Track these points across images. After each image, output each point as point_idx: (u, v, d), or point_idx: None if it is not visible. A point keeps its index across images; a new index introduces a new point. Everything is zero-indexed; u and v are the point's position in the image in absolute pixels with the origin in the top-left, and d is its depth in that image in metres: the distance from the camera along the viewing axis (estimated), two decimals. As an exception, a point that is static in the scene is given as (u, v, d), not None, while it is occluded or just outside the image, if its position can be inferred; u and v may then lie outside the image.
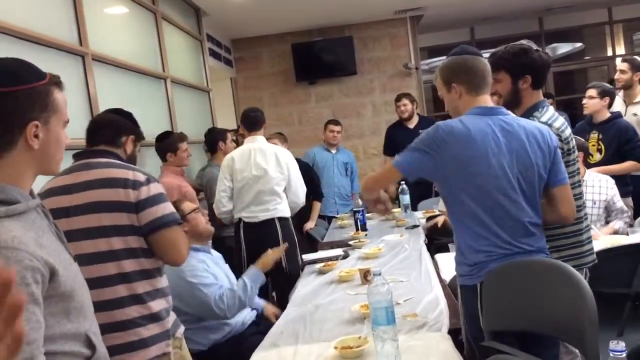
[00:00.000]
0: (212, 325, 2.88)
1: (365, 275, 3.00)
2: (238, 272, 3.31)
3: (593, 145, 4.28)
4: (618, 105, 4.54)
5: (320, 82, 7.55)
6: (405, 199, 5.25)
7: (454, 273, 2.39)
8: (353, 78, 7.52)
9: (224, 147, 4.74)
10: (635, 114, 4.47)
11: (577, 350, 2.08)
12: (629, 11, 8.56)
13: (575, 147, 2.33)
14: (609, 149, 4.20)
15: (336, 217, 5.72)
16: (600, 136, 4.25)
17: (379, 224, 5.05)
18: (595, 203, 3.60)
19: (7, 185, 1.21)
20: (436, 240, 4.49)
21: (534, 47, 2.29)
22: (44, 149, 1.26)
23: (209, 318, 2.83)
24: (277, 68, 7.58)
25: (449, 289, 2.83)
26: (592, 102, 4.27)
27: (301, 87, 7.58)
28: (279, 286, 4.09)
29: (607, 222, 3.65)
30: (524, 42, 2.33)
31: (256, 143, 4.09)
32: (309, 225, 5.41)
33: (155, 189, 2.07)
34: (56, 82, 1.30)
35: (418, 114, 6.18)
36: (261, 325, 2.98)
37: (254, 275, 3.00)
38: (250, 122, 4.18)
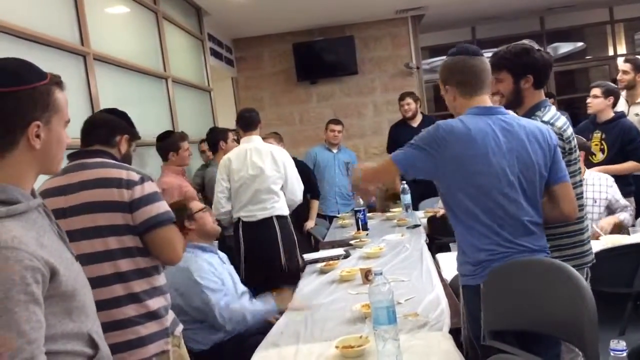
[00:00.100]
0: (214, 326, 2.87)
1: (367, 275, 3.00)
2: (236, 271, 3.31)
3: (596, 144, 4.28)
4: (621, 105, 4.54)
5: (321, 82, 7.54)
6: (407, 198, 5.26)
7: (455, 272, 2.40)
8: (354, 78, 7.52)
9: (224, 146, 4.75)
10: (637, 114, 4.47)
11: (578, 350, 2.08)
12: (630, 10, 8.55)
13: (577, 146, 2.33)
14: (612, 149, 4.19)
15: (337, 217, 5.73)
16: (604, 136, 4.25)
17: (380, 223, 5.06)
18: (595, 201, 3.60)
19: (8, 186, 1.21)
20: (437, 240, 4.49)
21: (536, 46, 2.29)
22: (45, 149, 1.26)
23: (208, 321, 2.83)
24: (278, 68, 7.58)
25: (450, 288, 2.83)
26: (596, 102, 4.26)
27: (302, 86, 7.58)
28: (278, 283, 4.09)
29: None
30: (525, 41, 2.33)
31: (252, 143, 4.12)
32: (310, 224, 5.42)
33: (149, 187, 2.06)
34: (57, 81, 1.30)
35: (422, 113, 6.18)
36: (263, 326, 2.98)
37: (269, 308, 2.93)
38: (246, 122, 4.21)
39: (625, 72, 4.50)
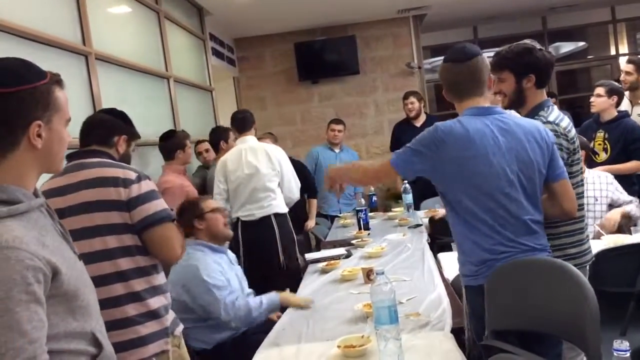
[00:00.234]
0: (218, 326, 2.88)
1: (368, 275, 3.00)
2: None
3: (599, 144, 4.27)
4: (624, 106, 4.53)
5: (323, 82, 7.54)
6: (408, 198, 5.26)
7: (457, 272, 2.39)
8: (356, 77, 7.52)
9: (225, 146, 4.75)
10: None
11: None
12: (632, 10, 8.54)
13: (579, 146, 2.33)
14: (615, 148, 4.18)
15: (339, 216, 5.73)
16: (607, 135, 4.24)
17: (381, 223, 5.06)
18: (597, 200, 3.59)
19: (9, 186, 1.21)
20: (439, 240, 4.49)
21: (538, 46, 2.29)
22: (47, 148, 1.26)
23: (213, 319, 2.83)
24: (280, 67, 7.58)
25: (452, 288, 2.83)
26: (599, 101, 4.24)
27: (304, 86, 7.58)
28: (277, 283, 4.10)
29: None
30: (527, 41, 2.33)
31: (247, 143, 4.16)
32: (310, 224, 5.43)
33: (146, 186, 2.07)
34: (57, 80, 1.30)
35: (425, 112, 6.18)
36: (265, 325, 2.98)
37: (272, 303, 2.93)
38: (239, 123, 4.25)
39: (628, 73, 4.49)
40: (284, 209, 4.16)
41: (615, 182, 3.66)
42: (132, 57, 4.09)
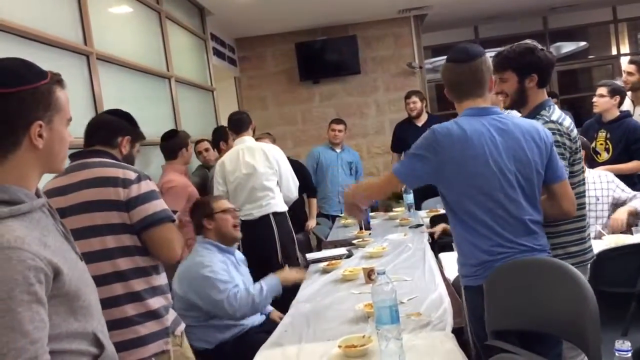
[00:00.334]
0: (221, 325, 2.89)
1: (369, 274, 3.00)
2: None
3: (601, 144, 4.26)
4: (626, 106, 4.53)
5: (324, 82, 7.54)
6: (409, 198, 5.27)
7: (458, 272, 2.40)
8: (357, 77, 7.52)
9: (225, 147, 4.75)
10: None
11: (580, 349, 2.09)
12: (633, 10, 8.53)
13: (581, 145, 2.34)
14: (617, 148, 4.18)
15: (340, 216, 5.73)
16: (609, 135, 4.23)
17: (382, 223, 5.06)
18: (598, 199, 3.59)
19: (11, 186, 1.21)
20: (440, 240, 4.49)
21: (539, 46, 2.31)
22: (48, 148, 1.26)
23: (219, 315, 2.85)
24: (281, 67, 7.58)
25: (453, 288, 2.83)
26: (602, 101, 4.23)
27: (305, 86, 7.58)
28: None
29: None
30: (528, 41, 2.34)
31: (244, 143, 4.18)
32: (311, 224, 5.44)
33: (146, 186, 2.07)
34: (58, 80, 1.29)
35: (427, 112, 6.18)
36: (266, 325, 2.99)
37: (272, 284, 2.98)
38: (236, 124, 4.28)
39: (630, 73, 4.48)
40: (283, 208, 4.16)
41: (617, 180, 3.65)
42: (133, 57, 4.09)
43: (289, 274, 3.06)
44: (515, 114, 2.58)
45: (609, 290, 2.55)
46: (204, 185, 4.61)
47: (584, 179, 2.34)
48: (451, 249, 4.11)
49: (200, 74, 5.84)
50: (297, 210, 5.07)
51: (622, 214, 3.46)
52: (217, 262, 2.91)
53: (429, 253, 3.59)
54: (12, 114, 1.20)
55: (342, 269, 3.35)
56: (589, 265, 2.28)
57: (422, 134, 2.09)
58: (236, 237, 3.13)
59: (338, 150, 6.07)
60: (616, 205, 3.65)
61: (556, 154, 2.11)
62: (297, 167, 4.79)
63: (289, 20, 6.98)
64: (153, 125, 4.24)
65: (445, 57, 2.20)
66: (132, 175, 2.05)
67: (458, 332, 2.22)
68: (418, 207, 5.50)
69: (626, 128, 4.17)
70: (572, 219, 2.20)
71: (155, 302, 2.07)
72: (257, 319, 3.06)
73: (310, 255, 3.90)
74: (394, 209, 5.61)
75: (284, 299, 3.06)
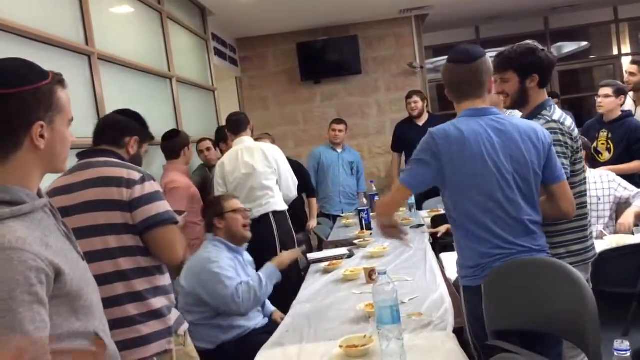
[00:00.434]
0: (226, 325, 2.90)
1: (370, 274, 3.01)
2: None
3: (602, 143, 4.26)
4: (627, 106, 4.53)
5: (325, 82, 7.54)
6: (410, 198, 5.26)
7: (459, 272, 2.40)
8: (358, 77, 7.52)
9: (224, 147, 4.76)
10: None
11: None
12: (634, 10, 8.52)
13: (581, 145, 2.35)
14: (618, 148, 4.18)
15: (341, 216, 5.74)
16: (610, 135, 4.23)
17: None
18: (600, 199, 3.59)
19: (13, 186, 1.21)
20: (441, 240, 4.49)
21: (540, 46, 2.32)
22: (49, 148, 1.26)
23: (225, 311, 2.87)
24: (282, 67, 7.58)
25: (454, 288, 2.83)
26: (607, 101, 4.21)
27: (306, 86, 7.58)
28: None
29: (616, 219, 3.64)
30: (529, 42, 2.35)
31: (243, 144, 4.19)
32: (312, 224, 5.44)
33: (150, 187, 2.06)
34: (59, 80, 1.29)
35: (428, 112, 6.18)
36: (269, 327, 2.99)
37: (269, 272, 3.04)
38: (234, 125, 4.30)
39: (632, 73, 4.48)
40: (283, 207, 4.17)
41: (618, 179, 3.65)
42: (135, 57, 4.09)
43: (283, 257, 3.10)
44: (517, 114, 2.59)
45: (610, 290, 2.55)
46: (204, 185, 4.61)
47: (584, 178, 2.35)
48: (452, 249, 4.10)
49: (202, 74, 5.85)
50: (298, 210, 5.08)
51: (628, 218, 3.46)
52: (225, 259, 2.95)
53: (430, 253, 3.59)
54: (13, 114, 1.20)
55: (343, 269, 3.36)
56: (590, 264, 2.29)
57: (422, 134, 2.11)
58: (246, 237, 3.15)
59: (339, 151, 6.07)
60: (619, 204, 3.65)
61: (555, 154, 2.11)
62: (296, 167, 4.80)
63: (290, 20, 6.98)
64: (154, 125, 4.19)
65: (446, 57, 2.21)
66: (137, 176, 2.05)
67: (459, 332, 2.22)
68: (419, 207, 5.51)
69: (628, 128, 4.17)
70: (574, 218, 2.21)
71: (158, 302, 2.06)
72: (259, 321, 3.06)
73: (311, 255, 3.90)
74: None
75: (285, 299, 3.07)
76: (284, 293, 3.20)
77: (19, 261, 1.10)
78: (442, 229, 4.22)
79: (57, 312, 1.19)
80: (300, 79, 7.49)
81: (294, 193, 4.32)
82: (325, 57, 7.39)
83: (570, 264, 2.16)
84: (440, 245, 4.39)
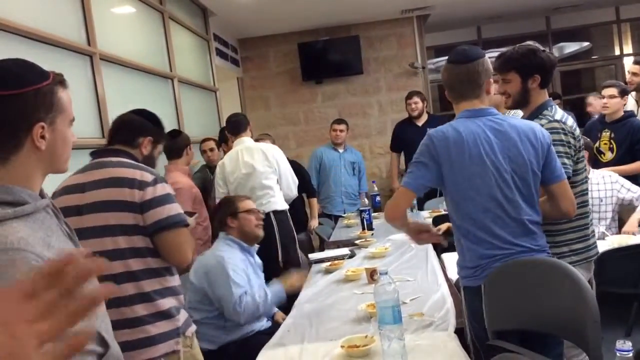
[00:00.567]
0: (230, 326, 2.90)
1: (372, 275, 3.00)
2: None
3: (605, 143, 4.26)
4: (629, 106, 4.53)
5: (326, 82, 7.55)
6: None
7: (460, 272, 2.40)
8: (359, 77, 7.52)
9: (225, 148, 4.76)
10: None
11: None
12: (636, 10, 8.51)
13: (583, 144, 2.36)
14: (621, 148, 4.18)
15: (342, 216, 5.73)
16: (613, 135, 4.23)
17: (385, 223, 5.03)
18: (602, 200, 3.59)
19: (15, 187, 1.20)
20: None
21: (541, 47, 2.34)
22: (51, 149, 1.26)
23: (225, 313, 2.86)
24: (284, 67, 7.59)
25: (455, 288, 2.83)
26: (614, 102, 4.20)
27: (308, 86, 7.58)
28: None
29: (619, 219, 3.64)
30: (529, 43, 2.36)
31: (243, 144, 4.20)
32: (314, 224, 5.44)
33: (162, 189, 2.06)
34: (60, 80, 1.28)
35: (428, 112, 6.18)
36: (272, 328, 2.99)
37: (276, 291, 3.00)
38: (233, 126, 4.31)
39: (635, 74, 4.47)
40: (284, 206, 4.18)
41: (621, 180, 3.65)
42: (137, 57, 4.10)
43: (293, 280, 3.05)
44: (520, 114, 2.59)
45: (612, 290, 2.55)
46: (205, 186, 4.61)
47: (586, 177, 2.36)
48: (453, 250, 4.11)
49: (203, 75, 5.85)
50: (298, 210, 5.08)
51: (632, 227, 3.46)
52: (238, 260, 2.95)
53: (432, 253, 3.59)
54: (13, 116, 1.20)
55: (344, 269, 3.36)
56: (593, 262, 2.31)
57: (422, 134, 2.12)
58: (259, 236, 3.18)
59: (340, 151, 6.07)
60: (621, 205, 3.64)
61: (554, 154, 2.12)
62: (296, 168, 4.80)
63: (292, 21, 6.98)
64: (156, 126, 4.24)
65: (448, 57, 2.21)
66: (149, 178, 2.05)
67: (461, 333, 2.22)
68: (421, 208, 5.50)
69: (630, 127, 4.16)
70: (576, 217, 2.21)
71: (167, 303, 2.06)
72: (264, 324, 3.06)
73: (313, 256, 3.90)
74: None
75: (287, 299, 3.07)
76: (286, 293, 3.20)
77: (22, 262, 1.10)
78: (443, 227, 4.22)
79: (59, 312, 1.19)
80: (301, 79, 7.49)
81: (294, 192, 4.34)
82: (326, 58, 7.39)
83: (573, 262, 2.17)
84: (441, 245, 4.39)
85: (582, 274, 1.96)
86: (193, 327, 2.20)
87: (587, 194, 2.34)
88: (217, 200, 4.06)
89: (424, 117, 5.96)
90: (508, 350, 1.82)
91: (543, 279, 1.92)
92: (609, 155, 4.24)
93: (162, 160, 4.17)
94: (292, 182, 4.28)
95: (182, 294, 2.17)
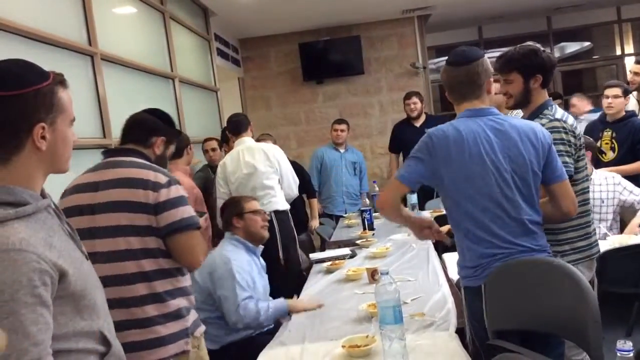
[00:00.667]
0: (231, 327, 2.89)
1: (373, 275, 3.01)
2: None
3: (606, 143, 4.25)
4: (631, 105, 4.53)
5: (327, 82, 7.55)
6: (413, 198, 5.25)
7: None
8: (360, 77, 7.52)
9: (226, 148, 4.76)
10: None
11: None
12: (637, 10, 8.50)
13: (584, 144, 2.35)
14: (622, 148, 4.18)
15: (344, 217, 5.73)
16: (614, 134, 4.22)
17: (386, 223, 5.05)
18: (603, 201, 3.58)
19: (16, 187, 1.20)
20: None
21: (541, 47, 2.35)
22: (51, 149, 1.26)
23: (226, 315, 2.86)
24: (285, 67, 7.59)
25: (457, 288, 2.83)
26: (618, 102, 4.20)
27: (309, 86, 7.59)
28: (278, 281, 4.11)
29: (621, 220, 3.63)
30: (530, 43, 2.37)
31: (244, 144, 4.19)
32: (314, 224, 5.44)
33: (175, 191, 2.05)
34: (60, 80, 1.28)
35: (426, 112, 6.18)
36: (275, 329, 2.98)
37: (279, 308, 2.92)
38: (234, 126, 4.31)
39: (636, 73, 4.47)
40: (285, 206, 4.18)
41: (624, 181, 3.64)
42: (138, 57, 4.10)
43: (300, 304, 2.93)
44: (521, 113, 2.59)
45: (612, 290, 2.55)
46: (206, 186, 4.61)
47: (587, 175, 2.37)
48: (454, 250, 4.11)
49: (204, 75, 5.85)
50: (299, 211, 5.08)
51: (632, 232, 3.45)
52: (244, 262, 2.95)
53: (433, 253, 3.59)
54: (14, 116, 1.20)
55: (345, 269, 3.36)
56: (595, 260, 2.32)
57: (420, 134, 2.13)
58: (264, 236, 3.17)
59: (342, 151, 6.07)
60: (623, 207, 3.64)
61: (555, 154, 2.12)
62: (297, 168, 4.80)
63: (293, 21, 6.98)
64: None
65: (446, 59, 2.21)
66: (163, 179, 2.04)
67: (462, 333, 2.22)
68: (422, 208, 5.49)
69: (632, 127, 4.16)
70: (577, 215, 2.21)
71: (178, 303, 2.05)
72: (267, 328, 3.06)
73: (313, 256, 3.90)
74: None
75: (279, 291, 3.07)
76: (287, 293, 3.20)
77: (23, 263, 1.10)
78: (444, 228, 4.22)
79: (61, 312, 1.19)
80: (302, 79, 7.49)
81: (295, 191, 4.35)
82: (327, 58, 7.39)
83: (575, 260, 2.18)
84: (442, 245, 4.39)
85: (584, 273, 1.96)
86: (202, 328, 2.18)
87: (588, 192, 2.35)
88: (219, 200, 4.07)
89: (422, 118, 5.95)
90: (508, 350, 1.82)
91: (543, 278, 1.91)
92: (610, 155, 4.24)
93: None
94: (293, 181, 4.29)
95: (192, 294, 2.17)
